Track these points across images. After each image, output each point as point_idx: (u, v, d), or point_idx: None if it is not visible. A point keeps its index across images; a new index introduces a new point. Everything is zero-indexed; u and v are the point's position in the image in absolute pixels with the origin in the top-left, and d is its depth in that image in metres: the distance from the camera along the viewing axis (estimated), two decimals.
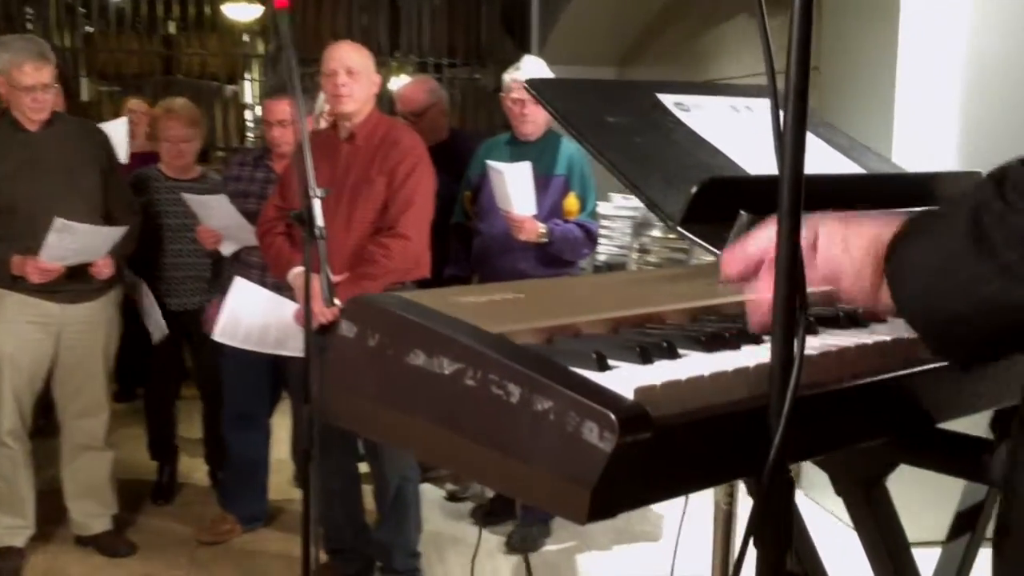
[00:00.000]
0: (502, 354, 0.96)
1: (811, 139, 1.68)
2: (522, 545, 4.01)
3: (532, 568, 3.47)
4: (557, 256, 4.00)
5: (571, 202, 4.05)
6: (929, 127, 4.05)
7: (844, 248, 1.02)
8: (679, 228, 1.40)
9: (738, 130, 1.75)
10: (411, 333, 1.03)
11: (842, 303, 1.14)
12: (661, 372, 0.96)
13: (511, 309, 1.15)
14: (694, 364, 0.99)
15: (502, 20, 8.71)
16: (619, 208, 5.72)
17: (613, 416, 0.86)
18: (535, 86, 1.64)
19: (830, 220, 1.05)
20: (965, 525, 1.62)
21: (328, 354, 1.15)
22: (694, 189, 1.38)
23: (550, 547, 4.06)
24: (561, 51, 7.06)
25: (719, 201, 1.39)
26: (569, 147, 4.08)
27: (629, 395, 0.90)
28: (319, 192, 2.58)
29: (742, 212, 1.34)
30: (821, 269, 1.03)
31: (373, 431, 1.11)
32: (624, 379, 0.93)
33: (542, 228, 3.91)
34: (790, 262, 0.94)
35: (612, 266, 5.41)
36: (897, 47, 4.03)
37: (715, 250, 1.38)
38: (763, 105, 1.88)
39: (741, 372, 0.98)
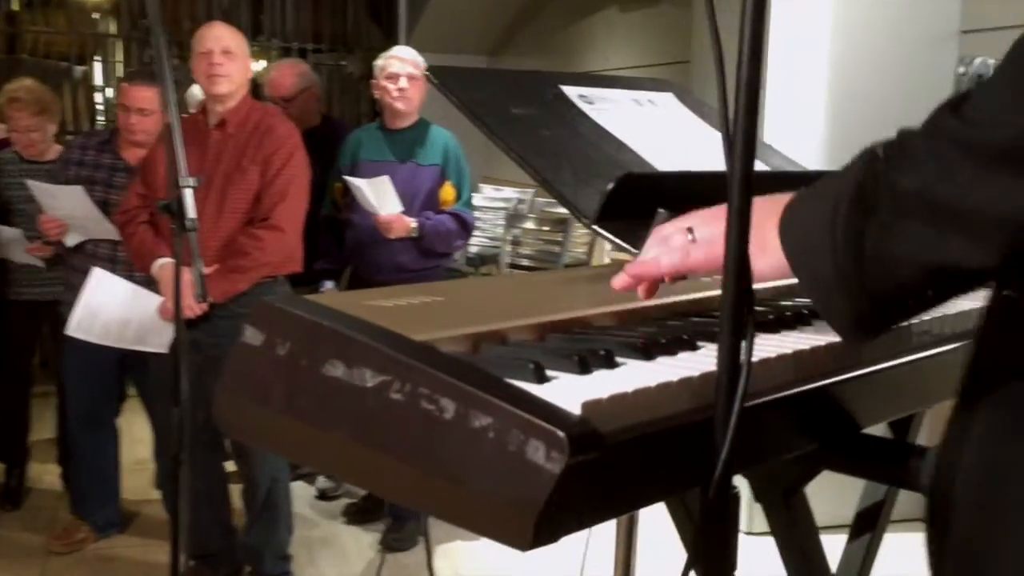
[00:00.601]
0: (432, 365, 0.88)
1: (718, 136, 1.66)
2: (397, 543, 3.93)
3: (432, 561, 3.40)
4: (431, 248, 3.93)
5: (447, 192, 3.96)
6: (796, 122, 4.14)
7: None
8: (594, 226, 1.34)
9: (643, 124, 1.71)
10: (327, 341, 0.94)
11: None
12: (603, 384, 0.89)
13: (431, 314, 1.07)
14: (636, 374, 0.94)
15: (369, 6, 8.54)
16: (490, 199, 5.68)
17: (562, 434, 0.79)
18: (437, 74, 1.55)
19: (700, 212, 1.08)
20: (866, 525, 1.63)
21: (226, 362, 1.05)
22: (610, 186, 1.32)
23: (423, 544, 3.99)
24: (429, 39, 6.96)
25: (633, 197, 1.34)
26: (442, 135, 4.00)
27: (574, 410, 0.83)
28: (191, 181, 2.43)
29: (660, 209, 1.30)
30: (703, 250, 1.03)
31: (280, 447, 1.02)
32: (565, 392, 0.87)
33: (412, 223, 3.83)
34: (739, 266, 0.89)
35: (484, 258, 5.35)
36: (767, 43, 4.10)
37: (630, 248, 1.33)
38: (665, 99, 1.85)
39: (686, 382, 0.93)
